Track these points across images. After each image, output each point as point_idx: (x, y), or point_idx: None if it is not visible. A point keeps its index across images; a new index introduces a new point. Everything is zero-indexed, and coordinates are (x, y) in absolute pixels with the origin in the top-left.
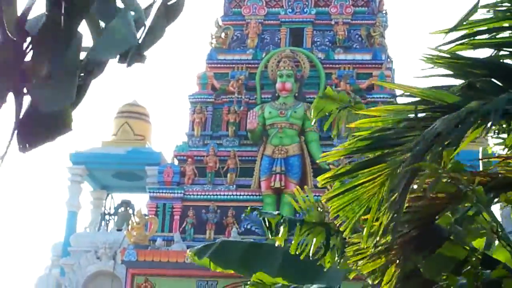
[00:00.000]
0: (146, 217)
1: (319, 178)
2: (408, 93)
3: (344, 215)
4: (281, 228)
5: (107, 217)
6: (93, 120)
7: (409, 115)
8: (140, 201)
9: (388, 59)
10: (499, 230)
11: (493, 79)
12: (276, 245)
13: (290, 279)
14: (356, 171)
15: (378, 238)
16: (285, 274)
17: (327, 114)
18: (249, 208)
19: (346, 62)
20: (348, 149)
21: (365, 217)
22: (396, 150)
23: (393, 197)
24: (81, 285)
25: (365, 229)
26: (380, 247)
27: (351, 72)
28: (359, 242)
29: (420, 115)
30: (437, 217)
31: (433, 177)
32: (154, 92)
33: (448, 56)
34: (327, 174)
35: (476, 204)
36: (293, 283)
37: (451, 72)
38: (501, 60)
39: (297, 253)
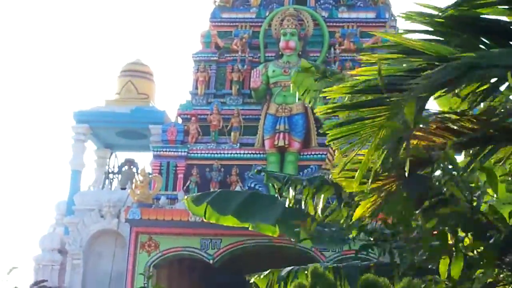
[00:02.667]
0: (150, 176)
1: (318, 108)
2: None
3: (340, 143)
4: (290, 189)
5: (111, 175)
6: (97, 79)
7: (411, 65)
8: (144, 160)
9: (392, 18)
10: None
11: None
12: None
13: (285, 232)
14: (357, 108)
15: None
16: (283, 223)
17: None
18: (255, 169)
19: (349, 21)
20: (351, 88)
21: (360, 158)
22: (399, 95)
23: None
24: (85, 244)
25: (360, 166)
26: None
27: (354, 30)
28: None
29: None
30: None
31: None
32: (157, 50)
33: (430, 14)
34: (328, 106)
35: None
36: (291, 232)
37: (431, 29)
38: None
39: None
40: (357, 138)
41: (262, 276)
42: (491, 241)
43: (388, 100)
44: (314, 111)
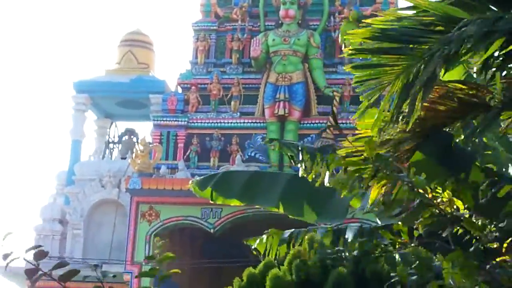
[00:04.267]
0: (150, 145)
1: (345, 50)
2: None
3: (365, 86)
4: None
5: (111, 145)
6: (97, 48)
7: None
8: (144, 129)
9: None
10: None
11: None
12: (283, 172)
13: (288, 211)
14: (380, 53)
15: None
16: (284, 205)
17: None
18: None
19: None
20: (372, 32)
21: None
22: (418, 48)
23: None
24: (85, 214)
25: (379, 112)
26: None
27: None
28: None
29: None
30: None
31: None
32: (157, 20)
33: None
34: (352, 47)
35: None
36: (292, 215)
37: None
38: None
39: (306, 179)
40: (377, 85)
41: (260, 240)
42: (471, 249)
43: (406, 52)
44: (343, 50)
